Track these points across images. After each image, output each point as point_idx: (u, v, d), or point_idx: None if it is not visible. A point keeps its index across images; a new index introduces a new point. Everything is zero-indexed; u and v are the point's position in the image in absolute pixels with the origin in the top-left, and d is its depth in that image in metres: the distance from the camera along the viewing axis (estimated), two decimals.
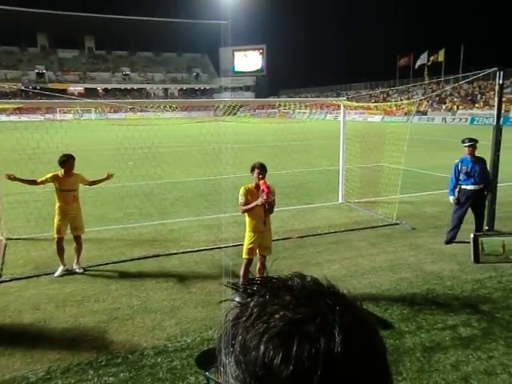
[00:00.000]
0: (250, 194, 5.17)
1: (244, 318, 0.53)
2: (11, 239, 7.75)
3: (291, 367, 0.47)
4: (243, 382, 0.50)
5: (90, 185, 6.68)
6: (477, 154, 7.06)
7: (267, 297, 0.55)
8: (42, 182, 6.31)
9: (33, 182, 6.37)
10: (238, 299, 0.58)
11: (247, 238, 5.35)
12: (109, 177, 6.71)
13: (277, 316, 0.51)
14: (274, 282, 0.58)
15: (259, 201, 5.02)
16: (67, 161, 6.22)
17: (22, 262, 6.71)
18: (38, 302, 5.37)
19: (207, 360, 0.73)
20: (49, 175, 6.27)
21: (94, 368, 4.00)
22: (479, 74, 7.67)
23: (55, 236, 6.25)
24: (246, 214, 5.30)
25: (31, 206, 6.39)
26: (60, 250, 6.25)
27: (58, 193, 6.27)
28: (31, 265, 6.55)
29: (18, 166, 8.64)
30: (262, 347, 0.49)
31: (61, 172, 6.25)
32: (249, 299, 0.56)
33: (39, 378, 3.86)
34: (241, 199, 5.20)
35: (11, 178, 6.23)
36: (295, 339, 0.48)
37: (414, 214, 9.20)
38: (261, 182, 5.09)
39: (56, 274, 6.15)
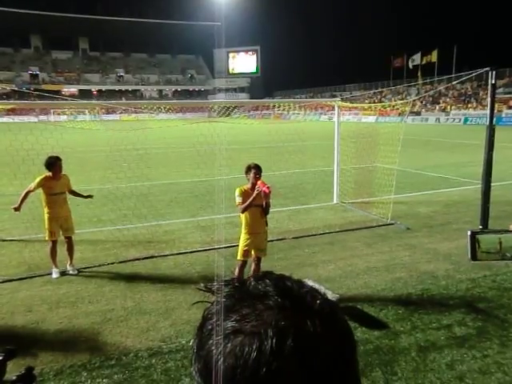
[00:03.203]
0: (246, 195, 5.15)
1: (204, 317, 0.58)
2: (4, 240, 7.69)
3: (226, 364, 0.50)
4: (199, 379, 0.55)
5: (69, 192, 6.47)
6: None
7: (224, 298, 0.58)
8: (35, 189, 6.11)
9: (28, 193, 6.15)
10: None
11: (243, 240, 5.33)
12: (88, 197, 6.70)
13: (223, 316, 0.54)
14: (233, 284, 0.61)
15: (255, 192, 5.01)
16: (55, 163, 6.07)
17: (15, 263, 6.66)
18: (31, 303, 5.32)
19: None
20: (38, 180, 6.08)
21: (88, 370, 3.96)
22: (472, 74, 7.70)
23: (49, 239, 6.19)
24: (242, 215, 5.28)
25: (24, 207, 6.32)
26: (53, 253, 6.19)
27: (47, 197, 6.12)
28: (24, 266, 6.49)
29: (12, 169, 8.60)
30: (207, 346, 0.53)
31: (49, 175, 6.10)
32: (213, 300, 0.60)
33: None
34: (238, 200, 5.17)
35: (17, 208, 6.16)
36: (231, 338, 0.51)
37: (408, 214, 9.22)
38: (259, 182, 5.08)
39: (54, 277, 6.10)
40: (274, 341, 0.50)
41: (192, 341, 0.58)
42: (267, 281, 0.58)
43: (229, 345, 0.51)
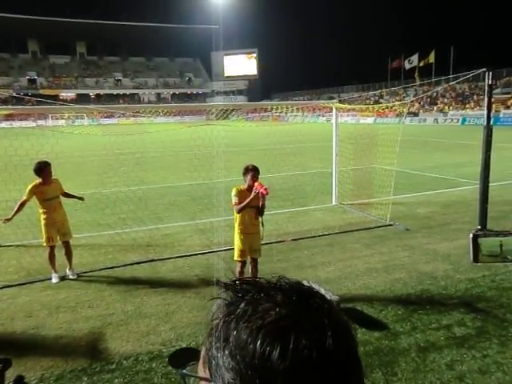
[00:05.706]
0: (243, 195, 5.15)
1: (238, 315, 0.57)
2: (2, 246, 7.69)
3: (289, 360, 0.51)
4: (239, 372, 0.53)
5: (62, 195, 6.44)
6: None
7: (260, 295, 0.58)
8: (29, 198, 6.07)
9: (23, 204, 6.10)
10: (227, 298, 0.61)
11: (237, 241, 5.33)
12: (80, 198, 6.66)
13: (272, 312, 0.55)
14: (263, 283, 0.62)
15: (252, 193, 5.02)
16: (44, 168, 6.03)
17: (14, 269, 6.65)
18: (31, 308, 5.32)
19: (182, 359, 0.77)
20: (29, 188, 6.04)
21: (88, 374, 3.96)
22: (469, 74, 7.73)
23: (47, 245, 6.18)
24: (236, 216, 5.29)
25: (22, 213, 6.31)
26: (52, 258, 6.18)
27: (42, 203, 6.09)
28: (23, 272, 6.49)
29: (2, 177, 8.59)
30: (259, 341, 0.53)
31: (39, 181, 6.06)
32: (239, 298, 0.59)
33: None
34: (234, 200, 5.17)
35: (8, 219, 6.13)
36: (292, 334, 0.53)
37: (407, 215, 9.23)
38: (256, 183, 5.08)
39: (54, 281, 6.09)
40: (334, 336, 0.54)
41: (214, 339, 0.57)
42: (291, 280, 0.62)
43: (291, 342, 0.52)
